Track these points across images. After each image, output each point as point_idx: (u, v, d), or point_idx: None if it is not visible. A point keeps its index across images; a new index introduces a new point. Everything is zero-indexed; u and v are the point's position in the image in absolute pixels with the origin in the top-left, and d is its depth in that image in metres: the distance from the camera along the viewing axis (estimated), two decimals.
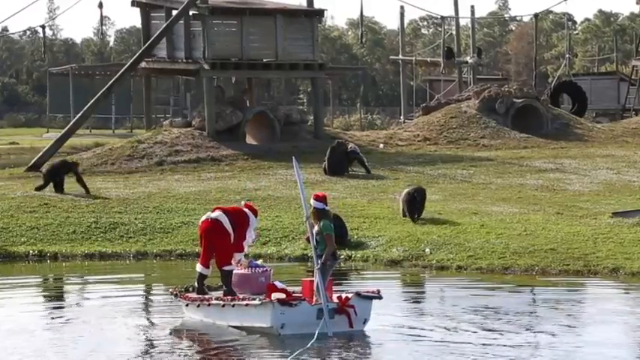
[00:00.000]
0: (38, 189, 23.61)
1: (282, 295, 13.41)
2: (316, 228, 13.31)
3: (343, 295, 13.50)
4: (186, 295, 14.25)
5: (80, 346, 12.90)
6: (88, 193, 23.39)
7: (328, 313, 13.12)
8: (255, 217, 14.38)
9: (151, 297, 17.16)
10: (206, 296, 14.07)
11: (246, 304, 13.42)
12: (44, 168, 24.98)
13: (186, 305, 14.23)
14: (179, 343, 13.33)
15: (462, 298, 16.15)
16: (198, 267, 14.28)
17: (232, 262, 14.05)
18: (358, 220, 21.27)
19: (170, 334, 13.74)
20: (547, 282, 17.50)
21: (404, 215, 21.23)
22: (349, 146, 27.21)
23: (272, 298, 13.34)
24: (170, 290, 14.74)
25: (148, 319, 14.83)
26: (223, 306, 13.65)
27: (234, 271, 14.09)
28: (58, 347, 12.89)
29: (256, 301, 13.37)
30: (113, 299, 16.24)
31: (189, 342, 13.42)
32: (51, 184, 23.72)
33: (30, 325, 14.18)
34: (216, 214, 14.11)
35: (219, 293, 14.18)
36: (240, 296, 13.83)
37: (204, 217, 14.32)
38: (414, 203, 20.96)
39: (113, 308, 15.35)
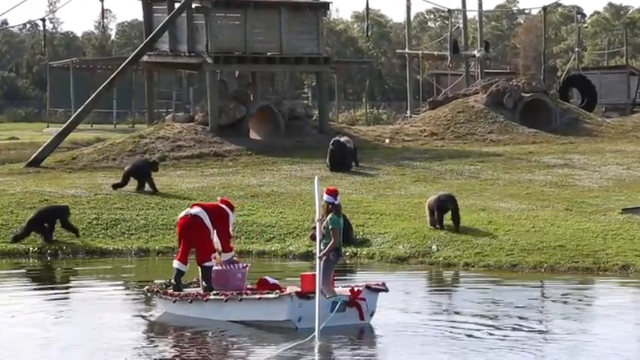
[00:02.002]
0: (115, 187, 23.08)
1: (298, 289, 13.43)
2: (324, 222, 13.36)
3: (355, 288, 13.56)
4: (173, 292, 14.15)
5: (57, 342, 12.84)
6: (155, 192, 22.96)
7: (340, 306, 13.18)
8: (232, 212, 14.43)
9: (139, 294, 16.93)
10: (201, 292, 13.98)
11: (259, 298, 13.35)
12: (126, 166, 24.21)
13: (174, 302, 14.07)
14: (170, 340, 13.25)
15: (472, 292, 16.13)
16: (176, 263, 14.29)
17: (212, 258, 14.08)
18: (364, 216, 21.12)
19: (160, 330, 13.64)
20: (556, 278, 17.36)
21: (432, 225, 19.87)
22: (342, 139, 26.82)
23: (289, 291, 13.36)
24: (146, 288, 14.62)
25: (131, 315, 14.70)
26: (226, 301, 13.56)
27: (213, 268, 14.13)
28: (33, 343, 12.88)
29: (272, 295, 13.32)
30: (100, 295, 16.15)
31: (179, 338, 13.31)
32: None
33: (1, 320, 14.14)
34: (196, 210, 14.13)
35: (191, 290, 14.12)
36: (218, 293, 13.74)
37: (183, 213, 14.37)
38: (444, 211, 19.71)
39: (99, 304, 15.26)
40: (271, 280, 13.95)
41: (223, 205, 14.32)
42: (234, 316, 13.53)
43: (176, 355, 12.50)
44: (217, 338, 13.06)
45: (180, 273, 14.18)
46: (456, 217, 19.79)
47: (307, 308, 13.08)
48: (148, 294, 14.54)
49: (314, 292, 13.16)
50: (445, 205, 19.80)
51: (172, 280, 14.29)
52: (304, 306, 13.09)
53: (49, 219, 20.27)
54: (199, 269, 14.20)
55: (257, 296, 13.43)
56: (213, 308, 13.70)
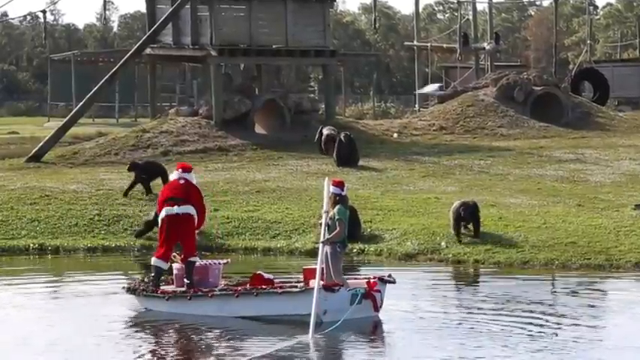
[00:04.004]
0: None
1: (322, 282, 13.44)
2: (331, 213, 13.54)
3: (371, 280, 13.77)
4: (164, 289, 14.04)
5: (38, 341, 12.74)
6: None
7: (360, 298, 13.36)
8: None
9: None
10: (204, 289, 13.90)
11: (282, 292, 13.44)
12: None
13: (167, 300, 13.91)
14: (172, 339, 13.15)
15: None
16: (157, 261, 14.10)
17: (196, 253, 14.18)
18: (371, 212, 20.96)
19: (157, 328, 13.46)
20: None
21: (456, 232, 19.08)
22: (325, 129, 26.46)
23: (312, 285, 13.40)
24: (126, 286, 14.43)
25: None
26: (237, 296, 13.48)
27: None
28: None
29: (297, 289, 13.46)
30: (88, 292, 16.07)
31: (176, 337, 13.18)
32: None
33: None
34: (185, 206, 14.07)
35: (165, 288, 14.01)
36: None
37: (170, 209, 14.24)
38: (461, 220, 18.94)
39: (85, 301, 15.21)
40: (266, 275, 13.95)
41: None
42: (244, 311, 13.44)
43: (177, 353, 12.41)
44: (216, 336, 12.93)
45: (160, 271, 14.03)
46: (476, 228, 19.06)
47: (332, 301, 13.20)
48: (128, 293, 14.32)
49: (338, 286, 13.30)
50: (463, 217, 18.94)
51: (151, 278, 14.13)
52: (329, 299, 13.17)
53: None
54: (181, 266, 14.10)
55: (279, 290, 13.45)
56: (221, 304, 13.57)
